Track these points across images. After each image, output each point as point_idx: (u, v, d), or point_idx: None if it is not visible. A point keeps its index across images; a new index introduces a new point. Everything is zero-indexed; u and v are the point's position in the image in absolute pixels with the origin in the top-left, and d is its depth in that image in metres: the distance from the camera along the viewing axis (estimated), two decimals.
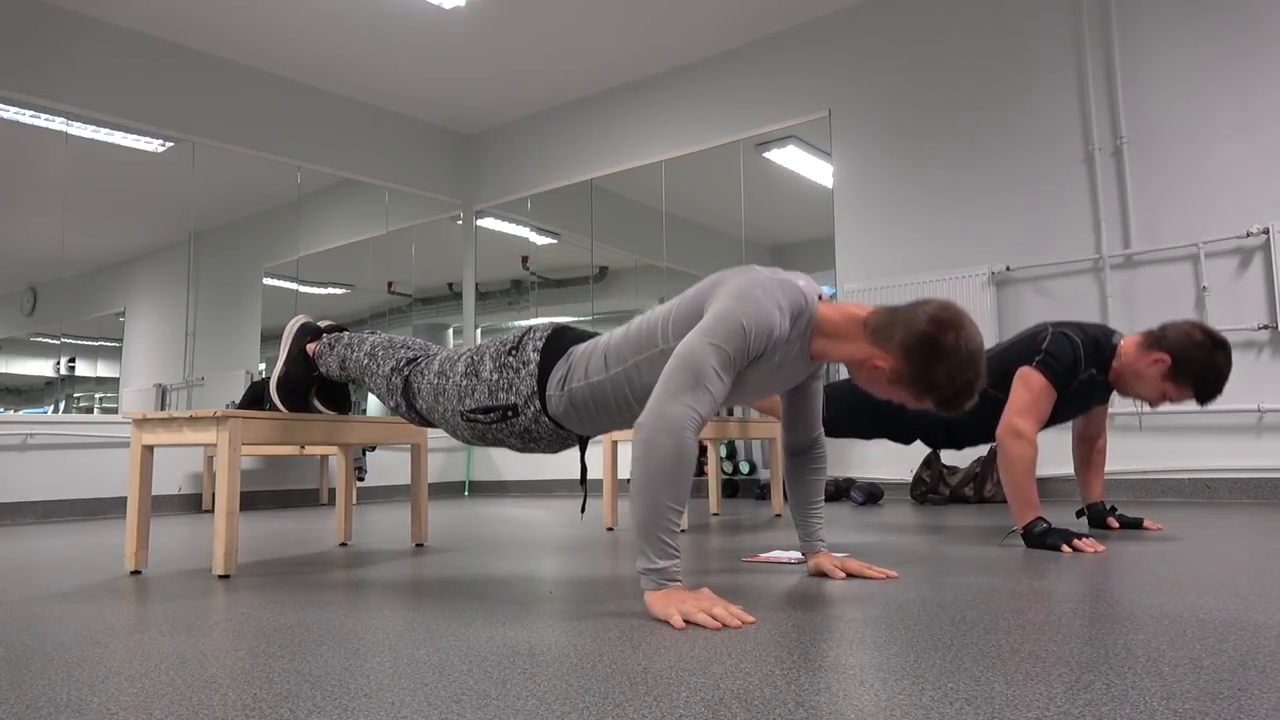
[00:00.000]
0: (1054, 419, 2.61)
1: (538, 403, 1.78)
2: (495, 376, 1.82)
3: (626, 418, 1.77)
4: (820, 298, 1.70)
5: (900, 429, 2.83)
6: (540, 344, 1.81)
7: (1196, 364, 2.38)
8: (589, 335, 1.87)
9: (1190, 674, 1.04)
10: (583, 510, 2.09)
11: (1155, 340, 2.45)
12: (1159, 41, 4.25)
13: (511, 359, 1.82)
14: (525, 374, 1.79)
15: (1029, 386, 2.44)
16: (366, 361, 2.12)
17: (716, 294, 1.60)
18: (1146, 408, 4.10)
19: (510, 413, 1.81)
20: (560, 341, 1.82)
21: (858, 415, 2.83)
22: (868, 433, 2.89)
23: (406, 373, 2.02)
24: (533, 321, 1.97)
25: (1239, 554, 2.13)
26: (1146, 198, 4.23)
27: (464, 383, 1.87)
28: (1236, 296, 3.97)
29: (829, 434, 2.93)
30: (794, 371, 1.70)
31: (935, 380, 1.54)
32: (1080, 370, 2.47)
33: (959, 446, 2.83)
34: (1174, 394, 2.44)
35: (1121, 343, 2.52)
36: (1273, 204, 3.92)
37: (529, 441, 1.87)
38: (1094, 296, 4.32)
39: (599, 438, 5.75)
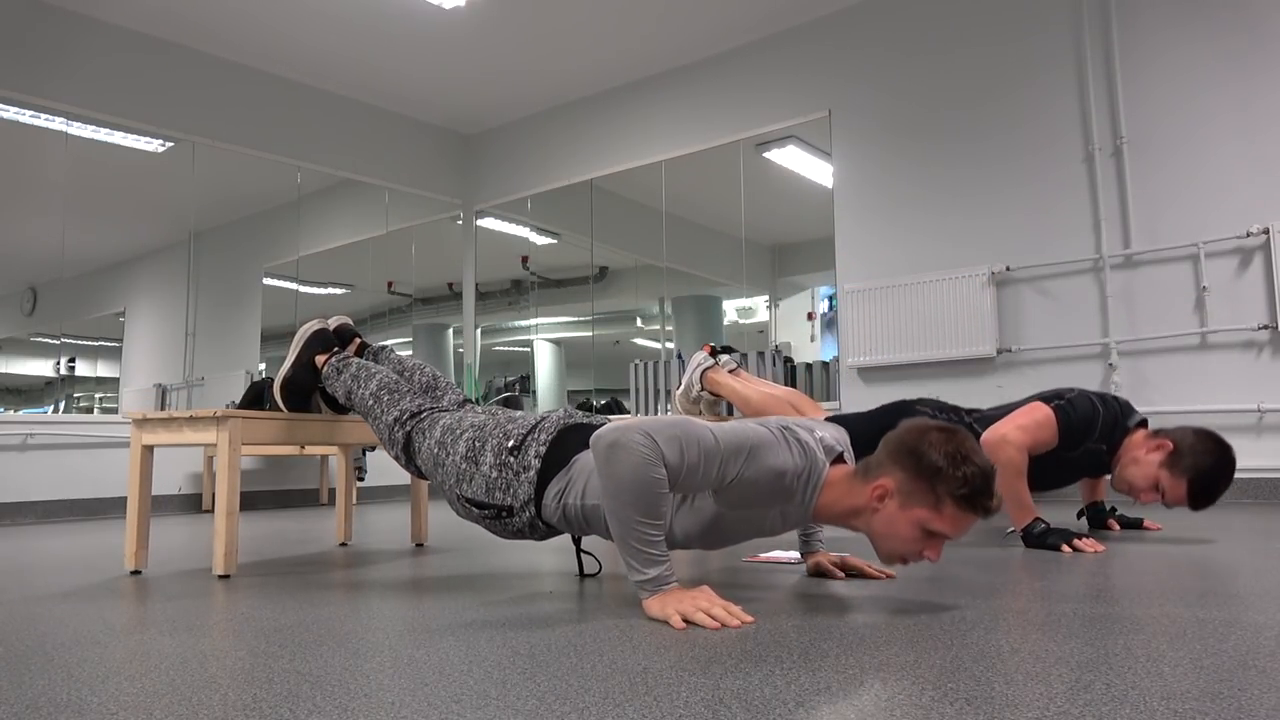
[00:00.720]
0: (1046, 483, 2.58)
1: (533, 509, 1.74)
2: (494, 474, 1.77)
3: None
4: (840, 457, 1.65)
5: None
6: (544, 450, 1.74)
7: (1198, 456, 2.33)
8: (596, 426, 1.80)
9: (1190, 674, 1.04)
10: (580, 575, 2.06)
11: (1161, 432, 2.43)
12: (1159, 41, 4.25)
13: (512, 460, 1.76)
14: (524, 479, 1.74)
15: (1033, 413, 2.41)
16: (371, 403, 2.08)
17: (751, 458, 1.54)
18: (1151, 392, 4.08)
19: (505, 513, 1.77)
20: (565, 448, 1.75)
21: (866, 450, 2.80)
22: None
23: (409, 428, 1.98)
24: (541, 414, 1.93)
25: (1239, 554, 2.13)
26: (1146, 198, 4.23)
27: (463, 466, 1.82)
28: (1236, 296, 3.97)
29: None
30: (786, 524, 1.66)
31: (933, 463, 1.45)
32: (1092, 436, 2.43)
33: None
34: (1168, 484, 2.37)
35: (1131, 434, 2.48)
36: (1273, 204, 3.92)
37: (520, 535, 1.83)
38: (1094, 296, 4.32)
39: None
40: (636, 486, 1.43)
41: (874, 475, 1.53)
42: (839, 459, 1.64)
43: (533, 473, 1.73)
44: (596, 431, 1.49)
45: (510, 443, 1.78)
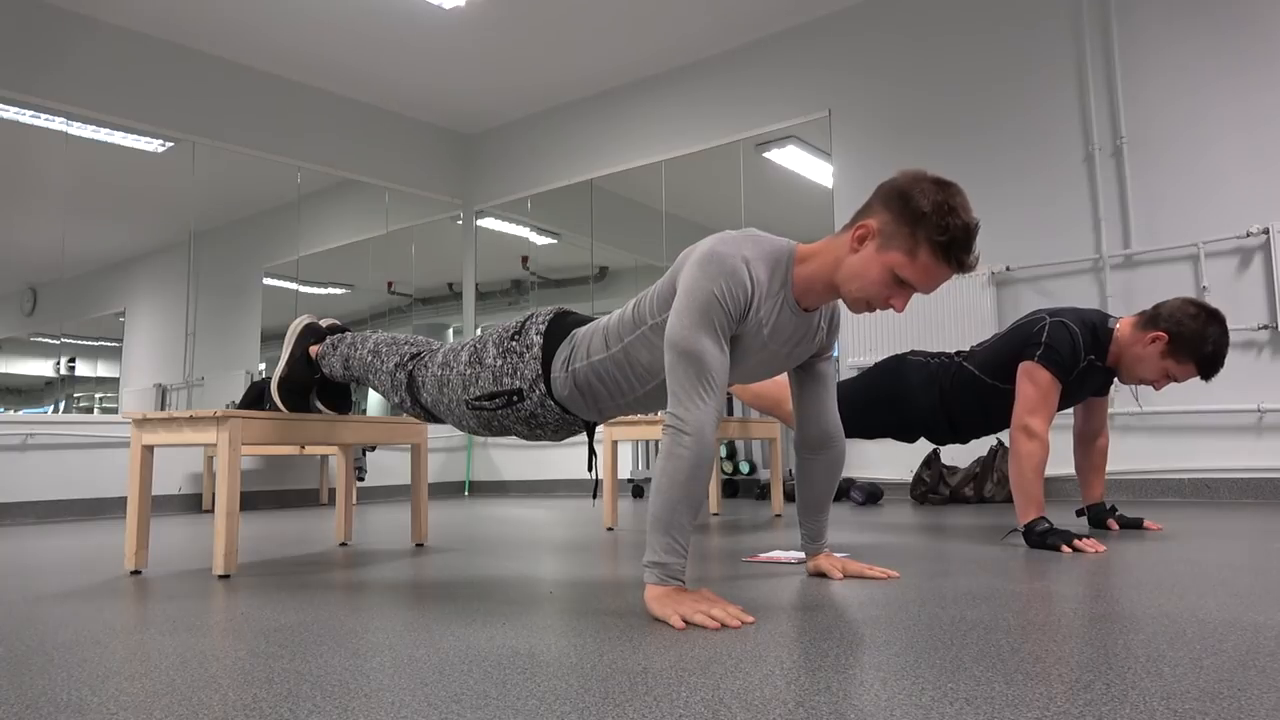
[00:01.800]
0: (1062, 404, 2.60)
1: (543, 385, 1.77)
2: (499, 362, 1.81)
3: (629, 400, 1.76)
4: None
5: (905, 424, 2.82)
6: (543, 327, 1.80)
7: (1194, 337, 2.37)
8: (589, 319, 1.86)
9: (1190, 674, 1.04)
10: (594, 496, 2.09)
11: (1150, 320, 2.44)
12: (1158, 41, 4.25)
13: (515, 343, 1.81)
14: (529, 357, 1.78)
15: (1035, 382, 2.43)
16: (370, 359, 2.12)
17: (685, 266, 1.57)
18: (1151, 393, 4.09)
19: (515, 397, 1.80)
20: (563, 324, 1.81)
21: (864, 413, 2.82)
22: (874, 430, 2.88)
23: (410, 367, 2.01)
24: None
25: (1239, 554, 2.13)
26: (1146, 197, 4.23)
27: (468, 371, 1.86)
28: (1236, 296, 3.97)
29: None
30: (791, 333, 1.64)
31: (919, 208, 1.46)
32: (1080, 358, 2.46)
33: (963, 439, 2.80)
34: (1176, 371, 2.43)
35: (1117, 326, 2.51)
36: (1273, 204, 3.92)
37: (535, 427, 1.86)
38: (1094, 296, 4.32)
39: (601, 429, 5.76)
40: (691, 486, 1.46)
41: (859, 218, 1.55)
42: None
43: (536, 349, 1.78)
44: (672, 410, 1.49)
45: (510, 331, 1.84)
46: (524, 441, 6.58)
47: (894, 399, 2.76)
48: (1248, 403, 3.91)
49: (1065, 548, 2.24)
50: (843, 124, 5.21)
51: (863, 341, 4.90)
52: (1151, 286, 4.17)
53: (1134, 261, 4.23)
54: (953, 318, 4.62)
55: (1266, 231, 3.88)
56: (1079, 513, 2.87)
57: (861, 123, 5.14)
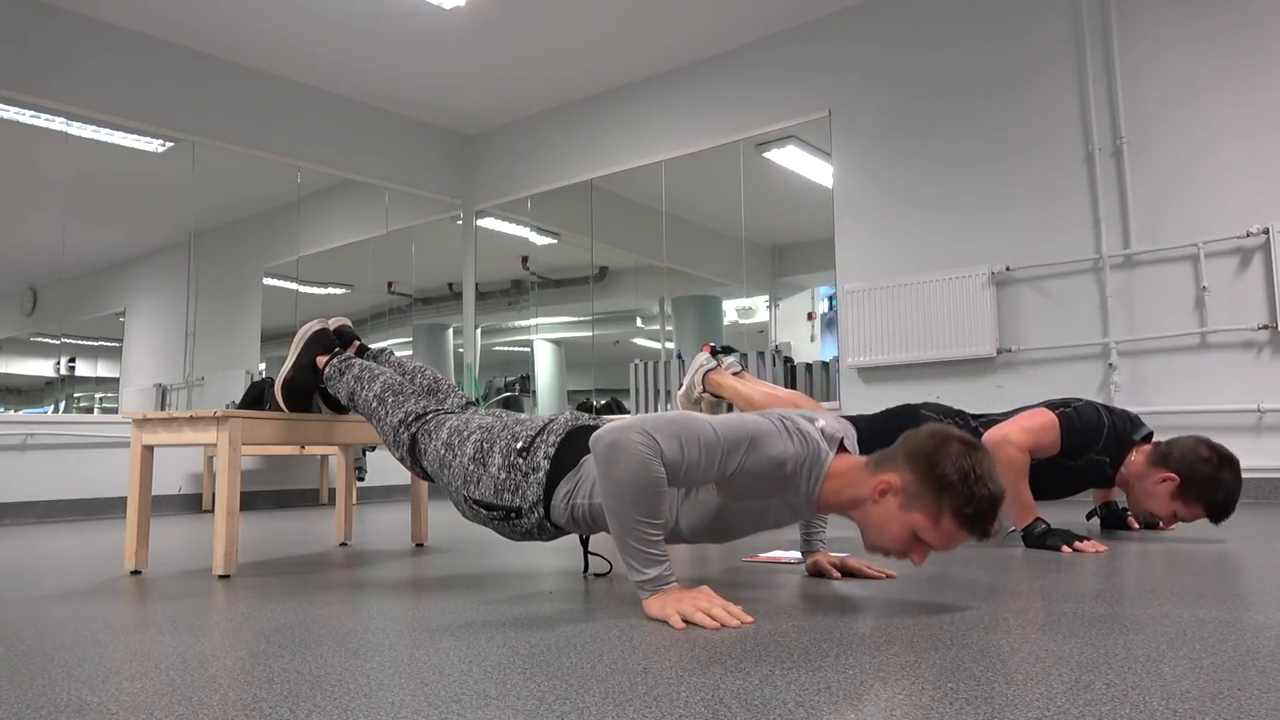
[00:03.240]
0: (1048, 493, 2.57)
1: (542, 510, 1.74)
2: (502, 476, 1.77)
3: None
4: (843, 445, 1.64)
5: None
6: (553, 451, 1.74)
7: (1206, 482, 2.33)
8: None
9: (1190, 674, 1.04)
10: (585, 571, 2.07)
11: (1162, 458, 2.41)
12: (1159, 41, 4.25)
13: (521, 462, 1.76)
14: (533, 480, 1.73)
15: (1037, 417, 2.40)
16: (375, 405, 2.08)
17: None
18: (1151, 393, 4.09)
19: (514, 514, 1.77)
20: (573, 449, 1.75)
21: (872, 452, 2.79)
22: None
23: (414, 429, 1.97)
24: (549, 416, 1.93)
25: (1239, 554, 2.13)
26: (1146, 198, 4.23)
27: (470, 467, 1.81)
28: (1236, 296, 3.97)
29: None
30: (792, 514, 1.65)
31: (945, 476, 1.43)
32: (1095, 446, 2.43)
33: None
34: (1185, 513, 2.39)
35: (1133, 454, 2.48)
36: (1273, 204, 3.92)
37: (525, 536, 1.83)
38: (1094, 296, 4.32)
39: None
40: (636, 486, 1.43)
41: (883, 469, 1.52)
42: (841, 448, 1.63)
43: (541, 474, 1.73)
44: (595, 432, 1.49)
45: (519, 444, 1.77)
46: None
47: None
48: (1248, 403, 3.91)
49: (1066, 548, 2.24)
50: (843, 124, 5.21)
51: (862, 343, 4.90)
52: (1152, 287, 4.17)
53: (1134, 261, 4.23)
54: (953, 318, 4.62)
55: (1266, 231, 3.88)
56: (1089, 514, 2.85)
57: (861, 123, 5.14)
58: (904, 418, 2.77)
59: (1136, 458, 2.47)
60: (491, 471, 1.78)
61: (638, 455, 1.42)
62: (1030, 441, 2.36)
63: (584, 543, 1.98)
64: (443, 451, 1.88)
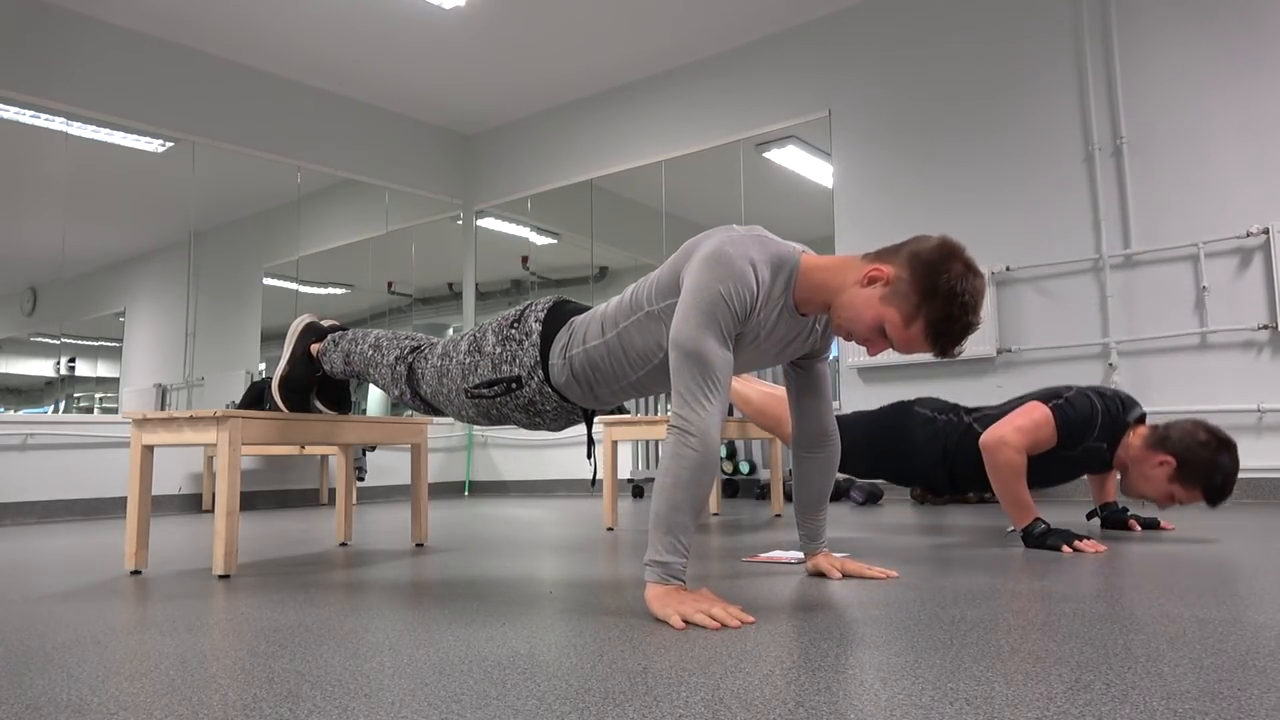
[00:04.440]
0: (1047, 480, 2.57)
1: (541, 373, 1.79)
2: (499, 350, 1.83)
3: (624, 384, 1.76)
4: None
5: (903, 475, 2.79)
6: (542, 315, 1.82)
7: (1203, 466, 2.33)
8: (587, 308, 1.88)
9: (1190, 674, 1.04)
10: (593, 482, 2.10)
11: (1160, 441, 2.40)
12: (1159, 41, 4.25)
13: (514, 331, 1.83)
14: (528, 344, 1.80)
15: (1031, 414, 2.40)
16: (370, 353, 2.14)
17: (691, 261, 1.57)
18: (1152, 393, 4.10)
19: (514, 384, 1.82)
20: (562, 312, 1.84)
21: (865, 457, 2.77)
22: (872, 473, 2.81)
23: (410, 359, 2.04)
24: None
25: (1239, 554, 2.13)
26: (1146, 198, 4.23)
27: (467, 360, 1.88)
28: (1236, 296, 3.97)
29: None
30: (785, 334, 1.65)
31: (936, 286, 1.46)
32: (1091, 434, 2.42)
33: (961, 491, 2.79)
34: (1182, 495, 2.39)
35: (1130, 435, 2.47)
36: (1273, 204, 3.92)
37: (533, 415, 1.87)
38: (1094, 296, 4.32)
39: (599, 433, 5.75)
40: (695, 487, 1.47)
41: (881, 259, 1.54)
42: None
43: (535, 335, 1.79)
44: (681, 415, 1.48)
45: (510, 318, 1.86)
46: (524, 441, 6.58)
47: (895, 451, 2.73)
48: (1248, 403, 3.91)
49: (1066, 548, 2.24)
50: (843, 124, 5.21)
51: None
52: (1152, 287, 4.17)
53: (1134, 262, 4.23)
54: None
55: (1266, 231, 3.88)
56: (1089, 514, 2.85)
57: (861, 123, 5.14)
58: (898, 415, 2.77)
59: (1133, 440, 2.47)
60: (487, 351, 1.85)
61: (710, 457, 1.47)
62: (1027, 441, 2.37)
63: (589, 424, 1.98)
64: (439, 363, 1.95)
